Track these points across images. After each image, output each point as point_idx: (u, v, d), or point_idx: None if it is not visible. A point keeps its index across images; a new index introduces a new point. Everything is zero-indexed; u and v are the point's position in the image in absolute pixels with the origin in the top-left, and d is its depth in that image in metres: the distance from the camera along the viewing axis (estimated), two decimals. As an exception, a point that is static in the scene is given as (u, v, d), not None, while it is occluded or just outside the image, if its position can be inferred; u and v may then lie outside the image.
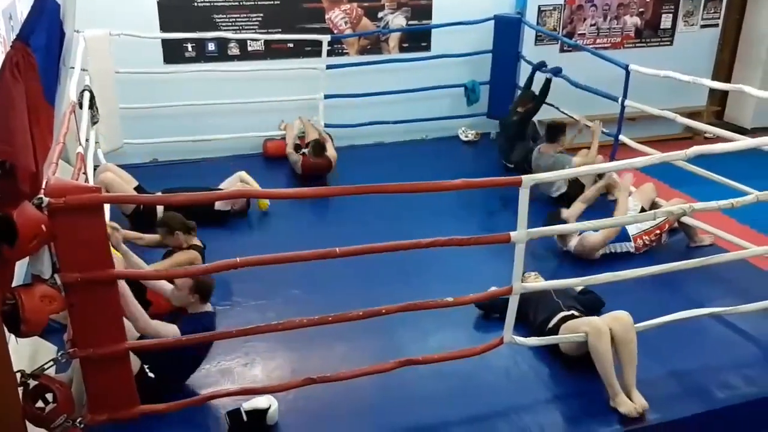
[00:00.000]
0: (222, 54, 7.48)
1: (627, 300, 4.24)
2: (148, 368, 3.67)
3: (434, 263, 4.90)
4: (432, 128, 8.35)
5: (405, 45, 8.12)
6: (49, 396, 3.01)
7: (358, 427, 3.72)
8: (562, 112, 7.34)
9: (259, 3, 7.42)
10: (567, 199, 6.00)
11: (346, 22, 7.80)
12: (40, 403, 3.00)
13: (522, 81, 7.66)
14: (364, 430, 3.71)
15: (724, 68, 9.40)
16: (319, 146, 6.88)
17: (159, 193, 5.53)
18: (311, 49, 7.64)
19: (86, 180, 4.42)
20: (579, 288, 4.54)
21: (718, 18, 9.01)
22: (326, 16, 7.70)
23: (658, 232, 5.51)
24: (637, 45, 8.79)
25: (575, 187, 6.26)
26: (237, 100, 7.41)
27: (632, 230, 5.47)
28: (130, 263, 4.11)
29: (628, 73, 6.34)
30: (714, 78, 8.63)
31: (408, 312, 3.60)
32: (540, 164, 6.53)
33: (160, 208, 5.71)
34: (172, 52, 7.30)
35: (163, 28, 7.17)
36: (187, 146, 7.39)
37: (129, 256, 4.22)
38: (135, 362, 3.57)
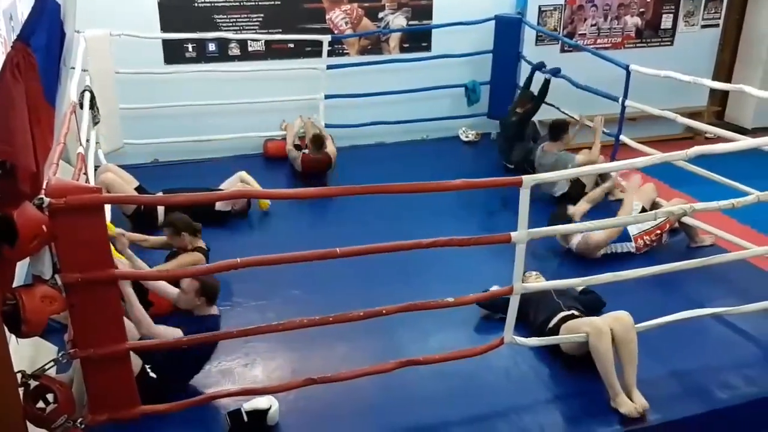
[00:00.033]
0: (222, 54, 7.48)
1: (628, 300, 4.24)
2: (149, 368, 3.67)
3: (435, 263, 4.90)
4: (432, 128, 8.34)
5: (405, 45, 8.12)
6: (49, 396, 3.01)
7: (359, 427, 3.72)
8: (563, 113, 7.33)
9: (259, 3, 7.42)
10: (569, 199, 6.00)
11: (346, 23, 7.80)
12: (40, 404, 3.00)
13: (522, 81, 7.66)
14: (365, 431, 3.71)
15: (724, 68, 9.39)
16: (318, 141, 6.89)
17: (160, 194, 5.53)
18: (312, 50, 7.64)
19: (87, 180, 4.42)
20: (580, 288, 4.54)
21: (719, 18, 9.00)
22: (327, 17, 7.70)
23: (658, 232, 5.51)
24: (637, 45, 8.78)
25: (577, 186, 6.27)
26: (237, 100, 7.41)
27: (633, 230, 5.47)
28: (135, 268, 4.11)
29: (628, 73, 6.34)
30: (714, 78, 8.63)
31: (408, 312, 3.60)
32: (543, 163, 6.53)
33: (160, 209, 5.73)
34: (173, 53, 7.30)
35: (164, 28, 7.17)
36: (188, 146, 7.39)
37: (134, 261, 4.23)
38: (136, 362, 3.58)
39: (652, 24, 8.76)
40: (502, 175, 6.96)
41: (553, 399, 3.92)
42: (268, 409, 3.62)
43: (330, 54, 7.62)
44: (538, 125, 7.72)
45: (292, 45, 7.65)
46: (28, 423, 2.96)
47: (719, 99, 9.43)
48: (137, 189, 5.87)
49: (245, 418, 3.59)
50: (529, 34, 8.16)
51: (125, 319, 3.32)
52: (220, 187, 6.13)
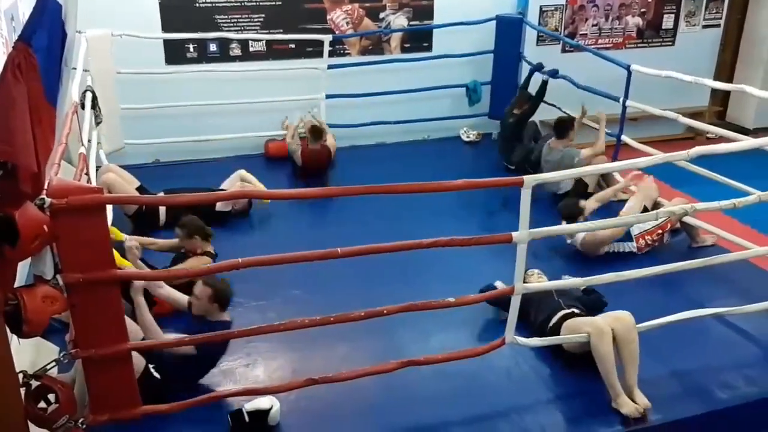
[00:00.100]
0: (224, 54, 7.49)
1: (629, 300, 4.24)
2: (153, 368, 3.68)
3: (436, 263, 4.90)
4: (433, 128, 8.35)
5: (406, 45, 8.12)
6: (51, 396, 3.01)
7: (360, 427, 3.72)
8: (564, 113, 7.33)
9: (260, 3, 7.43)
10: (572, 197, 6.00)
11: (347, 23, 7.80)
12: (42, 404, 3.00)
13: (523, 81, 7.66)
14: (366, 431, 3.71)
15: (725, 68, 9.39)
16: (316, 131, 6.93)
17: (161, 194, 5.53)
18: (313, 50, 7.65)
19: (88, 181, 4.42)
20: (582, 288, 4.54)
21: (720, 18, 9.00)
22: (328, 17, 7.70)
23: (660, 231, 5.51)
24: (638, 45, 8.78)
25: (580, 184, 6.27)
26: (238, 100, 7.42)
27: (634, 230, 5.48)
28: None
29: (629, 73, 6.34)
30: (716, 78, 8.62)
31: (410, 312, 3.60)
32: (549, 159, 6.54)
33: (162, 209, 5.74)
34: (174, 53, 7.31)
35: (165, 28, 7.18)
36: (189, 147, 7.39)
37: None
38: (140, 362, 3.58)
39: (653, 24, 8.75)
40: (503, 175, 6.96)
41: (554, 399, 3.92)
42: (270, 409, 3.62)
43: (331, 54, 7.62)
44: (539, 125, 7.73)
45: (293, 45, 7.66)
46: (29, 423, 2.97)
47: (720, 99, 9.43)
48: (138, 189, 5.87)
49: (246, 418, 3.59)
50: (530, 35, 8.17)
51: (127, 319, 3.32)
52: (221, 187, 6.14)
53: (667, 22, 8.81)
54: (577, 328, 3.93)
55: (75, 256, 2.87)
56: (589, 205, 5.59)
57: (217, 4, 7.30)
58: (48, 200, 2.74)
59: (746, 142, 4.36)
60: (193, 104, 7.29)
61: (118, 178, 5.74)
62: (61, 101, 3.15)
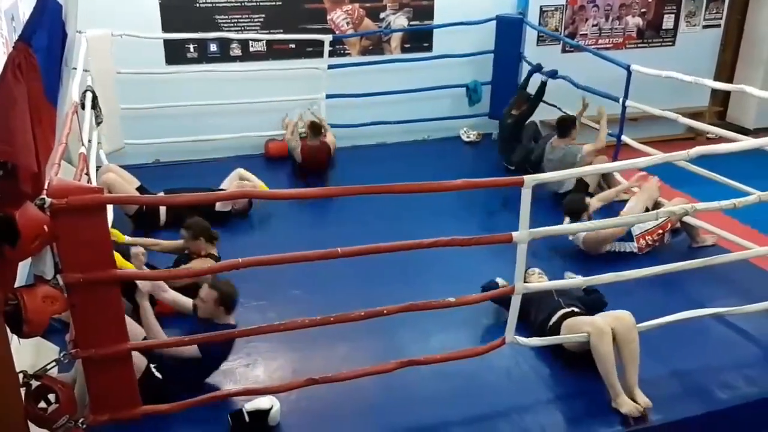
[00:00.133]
0: (224, 54, 7.49)
1: (629, 300, 4.24)
2: (155, 368, 3.68)
3: (436, 263, 4.90)
4: (434, 128, 8.35)
5: (407, 45, 8.12)
6: (51, 396, 3.01)
7: (360, 427, 3.72)
8: (564, 113, 7.33)
9: (260, 4, 7.43)
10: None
11: (347, 23, 7.80)
12: (42, 404, 3.00)
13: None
14: (366, 431, 3.71)
15: (726, 68, 9.38)
16: (316, 127, 6.95)
17: (161, 194, 5.53)
18: (313, 50, 7.65)
19: (88, 180, 4.42)
20: (583, 287, 4.54)
21: (720, 18, 9.00)
22: (328, 17, 7.70)
23: (660, 231, 5.51)
24: (639, 45, 8.78)
25: (582, 183, 6.27)
26: (239, 100, 7.42)
27: (635, 230, 5.49)
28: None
29: (629, 73, 6.33)
30: (716, 78, 8.62)
31: (410, 312, 3.60)
32: (551, 158, 6.55)
33: (162, 209, 5.74)
34: (174, 53, 7.31)
35: (165, 28, 7.17)
36: (189, 147, 7.39)
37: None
38: (141, 362, 3.58)
39: (653, 24, 8.75)
40: (503, 175, 6.96)
41: (554, 399, 3.92)
42: (270, 409, 3.62)
43: (331, 54, 7.63)
44: (539, 125, 7.72)
45: (293, 45, 7.66)
46: (29, 423, 2.97)
47: (721, 99, 9.43)
48: (139, 189, 5.87)
49: (247, 418, 3.59)
50: (530, 35, 8.17)
51: (128, 319, 3.32)
52: (220, 187, 6.14)
53: (668, 22, 8.81)
54: (577, 328, 3.93)
55: (75, 256, 2.88)
56: (592, 204, 5.61)
57: (217, 4, 7.30)
58: (48, 200, 2.74)
59: (746, 142, 4.36)
60: (193, 104, 7.29)
61: (119, 178, 5.74)
62: (61, 101, 3.15)
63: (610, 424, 3.69)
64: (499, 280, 4.42)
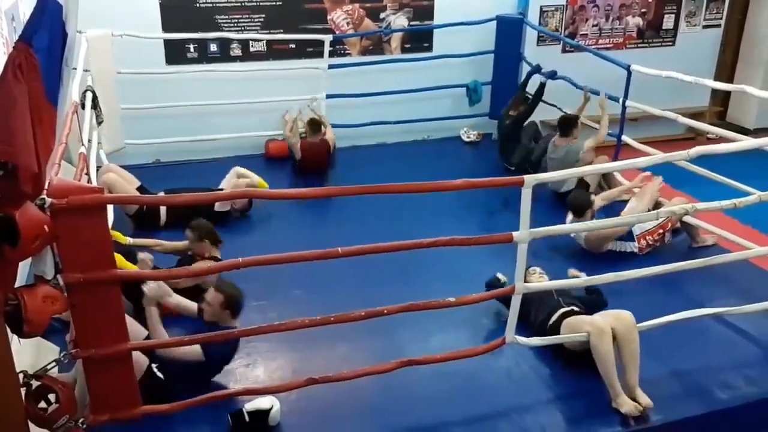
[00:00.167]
0: (224, 55, 7.49)
1: (629, 300, 4.24)
2: (156, 368, 3.68)
3: (436, 263, 4.90)
4: (434, 129, 8.35)
5: (407, 45, 8.12)
6: (51, 396, 3.01)
7: (360, 427, 3.72)
8: (564, 113, 7.33)
9: (261, 4, 7.43)
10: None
11: (348, 23, 7.80)
12: (42, 404, 3.00)
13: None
14: (366, 431, 3.71)
15: (726, 69, 9.38)
16: (315, 124, 6.97)
17: (161, 194, 5.53)
18: (313, 50, 7.65)
19: (89, 180, 4.43)
20: (585, 287, 4.53)
21: (721, 18, 9.00)
22: (328, 17, 7.70)
23: (661, 231, 5.52)
24: (639, 45, 8.78)
25: (582, 182, 6.28)
26: (239, 100, 7.42)
27: (636, 230, 5.49)
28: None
29: (629, 73, 6.33)
30: (716, 78, 8.62)
31: (410, 312, 3.60)
32: (553, 157, 6.55)
33: (163, 209, 5.74)
34: (174, 53, 7.31)
35: (165, 28, 7.18)
36: (189, 147, 7.39)
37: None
38: (143, 361, 3.59)
39: (653, 24, 8.75)
40: (503, 175, 6.96)
41: (554, 399, 3.92)
42: (270, 409, 3.62)
43: (331, 54, 7.63)
44: (539, 125, 7.72)
45: (293, 45, 7.66)
46: (29, 423, 2.97)
47: (721, 99, 9.42)
48: (139, 189, 5.88)
49: (247, 418, 3.59)
50: (530, 35, 8.17)
51: (127, 318, 3.32)
52: (220, 187, 6.14)
53: (668, 22, 8.80)
54: (577, 327, 3.93)
55: (75, 256, 2.88)
56: (596, 202, 5.63)
57: (217, 5, 7.30)
58: (48, 200, 2.74)
59: (747, 142, 4.36)
60: (193, 104, 7.29)
61: (119, 178, 5.74)
62: (61, 101, 3.16)
63: (610, 424, 3.69)
64: (500, 276, 4.45)
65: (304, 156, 6.96)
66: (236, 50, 7.52)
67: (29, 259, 3.00)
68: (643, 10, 8.65)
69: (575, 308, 4.19)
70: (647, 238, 5.49)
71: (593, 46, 8.25)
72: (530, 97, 7.20)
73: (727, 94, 9.24)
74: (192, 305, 4.16)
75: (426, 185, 3.41)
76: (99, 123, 5.68)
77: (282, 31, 7.54)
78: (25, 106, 2.59)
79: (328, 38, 7.51)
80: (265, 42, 7.56)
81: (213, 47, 7.43)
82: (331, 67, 7.61)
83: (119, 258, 3.89)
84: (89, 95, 5.30)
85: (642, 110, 6.49)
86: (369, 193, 3.35)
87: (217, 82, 7.41)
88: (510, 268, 3.67)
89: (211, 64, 7.43)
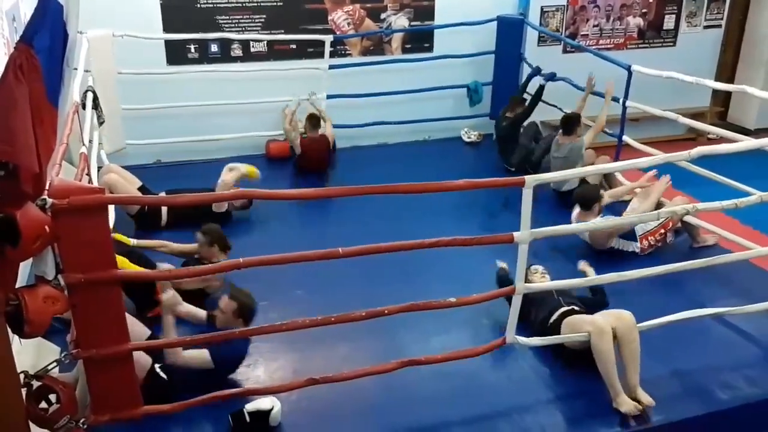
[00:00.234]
0: (225, 55, 7.49)
1: (630, 299, 4.24)
2: (160, 368, 3.69)
3: (436, 264, 4.90)
4: (434, 129, 8.35)
5: (408, 46, 8.12)
6: (52, 397, 3.01)
7: (361, 427, 3.72)
8: (565, 113, 7.33)
9: (261, 4, 7.43)
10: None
11: (348, 23, 7.81)
12: (43, 404, 3.00)
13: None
14: (367, 431, 3.71)
15: (727, 69, 9.38)
16: (314, 119, 6.98)
17: (163, 194, 5.53)
18: (314, 50, 7.66)
19: (90, 181, 4.43)
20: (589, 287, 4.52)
21: (721, 19, 9.00)
22: (329, 17, 7.71)
23: (662, 231, 5.52)
24: (639, 46, 8.78)
25: (584, 180, 6.28)
26: (240, 100, 7.43)
27: (638, 231, 5.49)
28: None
29: (630, 73, 6.33)
30: (717, 79, 8.62)
31: (410, 312, 3.60)
32: (557, 156, 6.55)
33: (164, 209, 5.74)
34: (175, 53, 7.31)
35: (166, 29, 7.18)
36: (190, 147, 7.40)
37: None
38: (146, 361, 3.59)
39: (654, 25, 8.75)
40: (503, 175, 6.96)
41: (555, 399, 3.92)
42: (271, 410, 3.63)
43: (332, 55, 7.64)
44: (540, 126, 7.72)
45: (294, 46, 7.66)
46: (30, 423, 2.97)
47: (722, 100, 9.42)
48: (140, 189, 5.88)
49: (247, 418, 3.60)
50: (531, 35, 8.17)
51: (130, 318, 3.32)
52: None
53: (668, 22, 8.81)
54: (577, 326, 3.93)
55: (76, 256, 2.88)
56: (604, 199, 5.63)
57: (218, 5, 7.31)
58: (49, 201, 2.74)
59: (747, 143, 4.36)
60: (194, 105, 7.30)
61: (120, 179, 5.74)
62: (62, 102, 3.16)
63: (610, 424, 3.69)
64: (503, 265, 4.46)
65: (303, 151, 6.97)
66: (237, 51, 7.52)
67: (30, 260, 3.00)
68: (644, 10, 8.65)
69: (575, 308, 4.19)
70: (649, 238, 5.49)
71: (594, 47, 8.25)
72: (528, 98, 7.21)
73: (727, 95, 9.24)
74: (201, 313, 4.17)
75: (429, 185, 3.41)
76: (100, 123, 5.68)
77: (283, 31, 7.55)
78: (26, 106, 2.59)
79: (328, 39, 7.52)
80: (265, 42, 7.56)
81: (214, 48, 7.44)
82: (331, 67, 7.61)
83: (122, 259, 3.90)
84: (90, 95, 5.31)
85: (643, 110, 6.49)
86: (371, 193, 3.35)
87: (218, 82, 7.42)
88: (511, 268, 3.67)
89: (211, 64, 7.44)
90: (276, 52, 7.64)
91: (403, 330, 4.35)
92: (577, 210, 5.51)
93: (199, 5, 7.24)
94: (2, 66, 2.74)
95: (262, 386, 3.77)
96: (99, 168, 5.65)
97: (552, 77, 7.10)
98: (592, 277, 4.01)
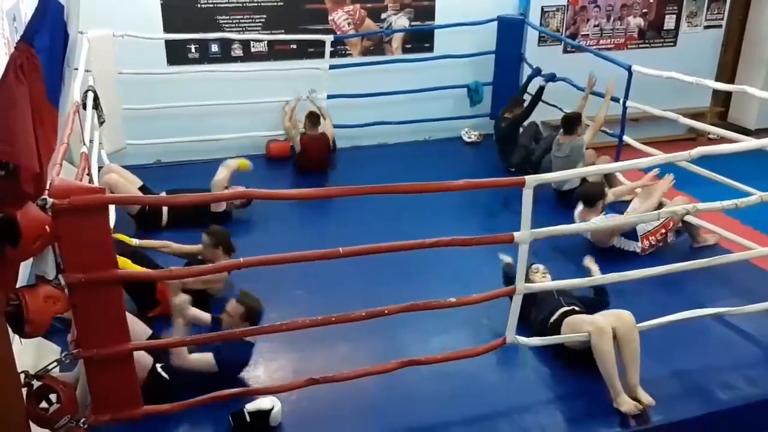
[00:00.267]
0: (225, 55, 7.50)
1: (630, 299, 4.25)
2: (161, 367, 3.69)
3: (437, 264, 4.91)
4: (435, 129, 8.35)
5: (408, 46, 8.13)
6: (52, 396, 3.01)
7: (361, 427, 3.72)
8: (565, 113, 7.33)
9: (262, 4, 7.44)
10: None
11: (349, 23, 7.81)
12: (44, 404, 3.01)
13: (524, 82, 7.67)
14: (367, 431, 3.71)
15: (727, 69, 9.38)
16: (313, 117, 6.99)
17: (163, 194, 5.54)
18: (314, 50, 7.66)
19: (90, 181, 4.43)
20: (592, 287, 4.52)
21: (722, 19, 9.00)
22: (329, 17, 7.71)
23: (663, 231, 5.53)
24: (640, 46, 8.78)
25: (584, 180, 6.28)
26: (240, 100, 7.43)
27: (639, 231, 5.49)
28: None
29: (630, 73, 6.33)
30: (717, 79, 8.63)
31: (410, 312, 3.61)
32: (558, 155, 6.56)
33: (164, 209, 5.74)
34: (176, 53, 7.32)
35: (167, 29, 7.19)
36: (191, 147, 7.40)
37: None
38: (147, 361, 3.59)
39: (654, 25, 8.75)
40: (504, 175, 6.95)
41: (555, 399, 3.93)
42: (271, 410, 3.63)
43: (332, 55, 7.64)
44: (540, 126, 7.72)
45: (294, 46, 7.67)
46: (31, 423, 2.97)
47: (722, 100, 9.42)
48: (141, 189, 5.88)
49: (248, 418, 3.60)
50: (531, 35, 8.18)
51: (131, 318, 3.32)
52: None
53: (669, 22, 8.81)
54: (578, 326, 3.93)
55: (77, 256, 2.88)
56: (608, 196, 5.64)
57: (218, 5, 7.31)
58: (50, 200, 2.74)
59: (748, 143, 4.36)
60: (194, 105, 7.30)
61: (121, 179, 5.74)
62: (63, 102, 3.16)
63: (610, 424, 3.69)
64: (507, 260, 4.47)
65: (303, 149, 6.97)
66: (237, 51, 7.53)
67: (31, 260, 3.00)
68: (645, 10, 8.65)
69: (576, 308, 4.19)
70: (650, 238, 5.49)
71: (594, 47, 8.25)
72: (526, 99, 7.21)
73: (728, 95, 9.24)
74: (205, 316, 4.17)
75: (429, 186, 3.41)
76: (100, 123, 5.69)
77: (283, 31, 7.55)
78: (26, 106, 2.59)
79: (329, 39, 7.52)
80: (266, 42, 7.57)
81: (214, 48, 7.45)
82: (332, 67, 7.61)
83: (124, 260, 3.90)
84: (90, 95, 5.31)
85: (643, 111, 6.50)
86: (372, 193, 3.35)
87: (219, 82, 7.42)
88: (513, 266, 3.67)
89: (212, 64, 7.44)
90: (276, 52, 7.64)
91: (403, 330, 4.35)
92: (580, 207, 5.51)
93: (199, 5, 7.24)
94: (2, 66, 2.74)
95: (263, 386, 3.77)
96: (99, 168, 5.65)
97: (552, 78, 7.11)
98: (592, 277, 4.01)
